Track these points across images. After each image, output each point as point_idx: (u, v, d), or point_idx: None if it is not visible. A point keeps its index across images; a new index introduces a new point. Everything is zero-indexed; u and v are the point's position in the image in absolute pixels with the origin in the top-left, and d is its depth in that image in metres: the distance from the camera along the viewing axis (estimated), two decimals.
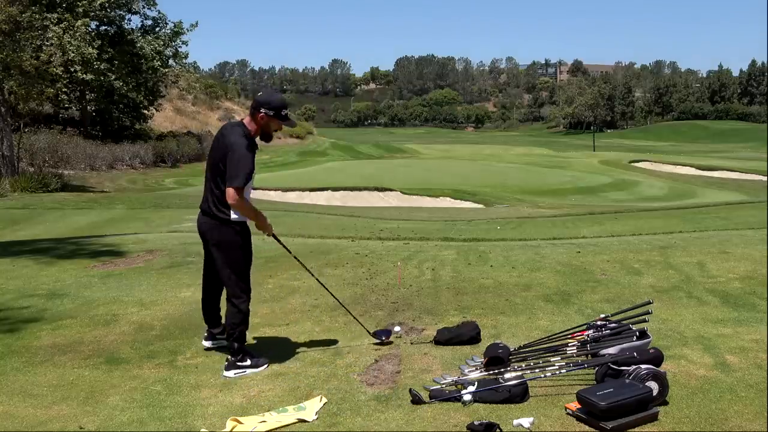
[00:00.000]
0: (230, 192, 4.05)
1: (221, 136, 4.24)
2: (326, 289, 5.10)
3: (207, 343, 4.68)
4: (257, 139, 4.30)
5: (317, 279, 5.11)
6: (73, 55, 28.13)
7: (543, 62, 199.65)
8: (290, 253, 4.91)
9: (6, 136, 22.26)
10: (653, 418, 3.30)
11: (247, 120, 4.25)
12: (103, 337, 5.02)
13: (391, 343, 4.67)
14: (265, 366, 4.27)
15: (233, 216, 4.20)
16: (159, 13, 36.68)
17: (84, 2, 30.52)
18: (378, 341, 4.66)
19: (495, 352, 4.05)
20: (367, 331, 4.78)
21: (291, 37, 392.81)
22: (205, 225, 4.30)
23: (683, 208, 18.03)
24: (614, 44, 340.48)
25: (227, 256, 4.26)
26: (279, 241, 4.68)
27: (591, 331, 4.17)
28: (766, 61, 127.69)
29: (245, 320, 4.33)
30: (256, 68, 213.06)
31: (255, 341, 4.80)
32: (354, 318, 4.94)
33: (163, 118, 45.30)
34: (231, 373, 4.19)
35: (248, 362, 4.24)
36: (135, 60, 33.89)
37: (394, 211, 19.01)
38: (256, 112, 4.17)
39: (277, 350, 4.59)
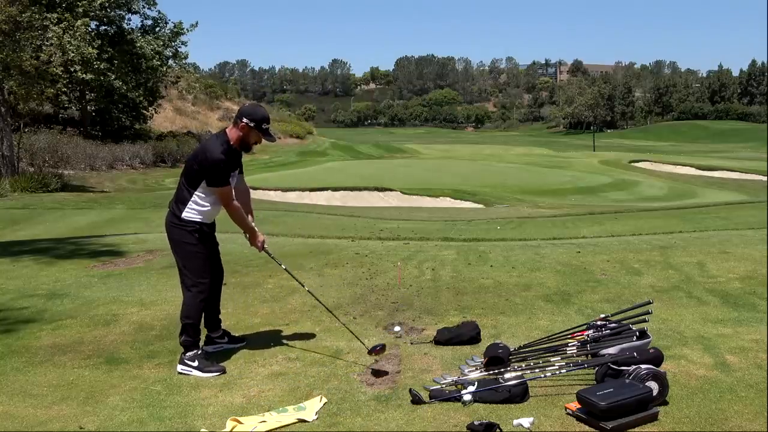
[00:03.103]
0: (221, 194, 4.24)
1: (202, 141, 4.47)
2: (320, 302, 4.87)
3: (208, 348, 4.67)
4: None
5: (312, 294, 4.84)
6: (72, 55, 28.12)
7: (543, 62, 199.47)
8: (282, 266, 4.68)
9: (6, 136, 22.26)
10: (653, 418, 3.30)
11: (229, 128, 4.35)
12: (103, 337, 5.02)
13: (382, 351, 4.34)
14: (215, 374, 4.17)
15: (185, 215, 4.29)
16: (159, 13, 36.71)
17: (84, 2, 30.52)
18: (371, 352, 4.29)
19: (495, 352, 4.06)
20: (363, 343, 4.50)
21: (291, 37, 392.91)
22: (166, 219, 4.42)
23: (683, 208, 18.02)
24: (614, 44, 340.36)
25: (179, 252, 4.38)
26: (271, 255, 4.65)
27: (591, 331, 4.17)
28: (766, 61, 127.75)
29: (193, 315, 4.33)
30: (256, 68, 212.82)
31: (255, 341, 4.80)
32: (348, 329, 4.68)
33: (163, 118, 45.30)
34: (179, 369, 4.23)
35: (195, 363, 4.22)
36: (135, 60, 33.90)
37: (394, 211, 19.01)
38: (239, 120, 4.26)
39: (277, 350, 4.59)
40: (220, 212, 4.47)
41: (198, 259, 4.36)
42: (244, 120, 4.23)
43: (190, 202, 4.29)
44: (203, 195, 4.28)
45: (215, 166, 4.17)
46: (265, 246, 4.56)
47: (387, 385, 3.91)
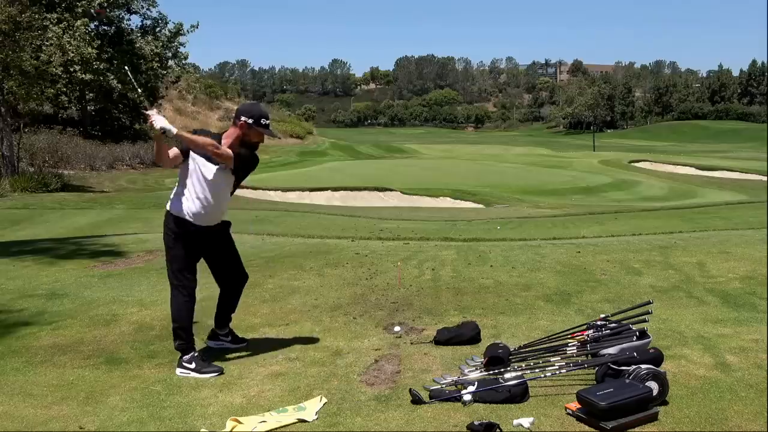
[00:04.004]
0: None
1: None
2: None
3: (210, 343, 4.67)
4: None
5: None
6: (72, 55, 28.14)
7: (543, 62, 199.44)
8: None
9: (6, 136, 22.28)
10: (653, 418, 3.30)
11: (229, 131, 4.24)
12: (103, 337, 5.02)
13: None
14: (213, 375, 4.13)
15: (168, 205, 4.26)
16: (159, 13, 36.75)
17: (83, 2, 30.54)
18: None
19: (495, 352, 4.06)
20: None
21: (291, 37, 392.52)
22: None
23: (683, 208, 18.04)
24: (614, 44, 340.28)
25: (165, 248, 4.33)
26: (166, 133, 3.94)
27: (591, 331, 4.17)
28: (766, 61, 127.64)
29: (179, 317, 4.27)
30: (256, 68, 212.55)
31: (255, 341, 4.80)
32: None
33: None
34: (177, 372, 4.22)
35: (193, 365, 4.19)
36: (134, 60, 33.93)
37: (394, 211, 19.01)
38: (237, 120, 4.18)
39: (277, 350, 4.59)
40: (216, 212, 4.27)
41: (176, 259, 4.25)
42: (242, 118, 4.15)
43: (174, 191, 4.27)
44: (179, 181, 4.25)
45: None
46: (157, 121, 3.90)
47: (387, 385, 3.91)
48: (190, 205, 4.19)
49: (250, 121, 4.15)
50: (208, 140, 4.05)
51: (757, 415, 3.34)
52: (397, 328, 4.93)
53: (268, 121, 4.22)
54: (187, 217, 4.20)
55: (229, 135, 4.21)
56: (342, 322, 5.22)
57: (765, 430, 3.21)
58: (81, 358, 4.54)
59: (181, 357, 4.27)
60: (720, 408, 3.43)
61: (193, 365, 4.20)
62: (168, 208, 4.27)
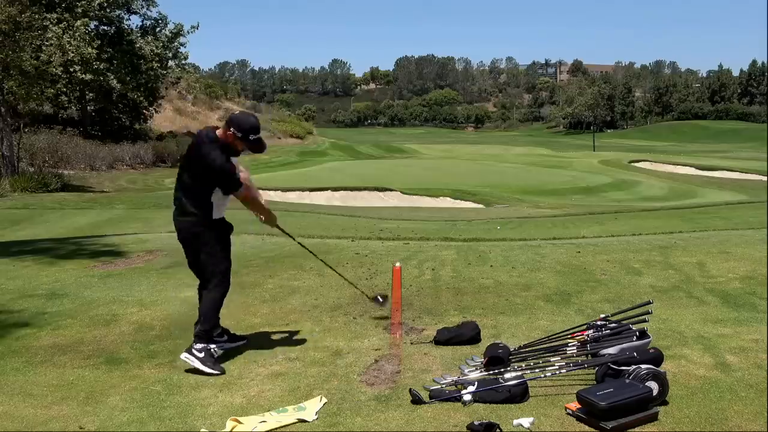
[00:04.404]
0: (239, 196, 4.39)
1: (197, 145, 4.35)
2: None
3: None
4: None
5: (325, 264, 5.48)
6: (72, 55, 28.15)
7: (543, 62, 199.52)
8: (295, 240, 5.18)
9: (6, 136, 22.27)
10: (653, 418, 3.30)
11: (220, 132, 4.36)
12: (103, 337, 5.02)
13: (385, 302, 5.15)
14: (214, 372, 4.16)
15: (210, 214, 4.39)
16: (159, 14, 36.76)
17: (83, 2, 30.55)
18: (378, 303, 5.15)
19: (495, 352, 4.06)
20: (367, 296, 5.28)
21: (291, 37, 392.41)
22: (183, 222, 4.44)
23: (683, 208, 18.05)
24: (614, 44, 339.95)
25: (206, 251, 4.42)
26: (284, 231, 4.88)
27: (591, 331, 4.17)
28: (766, 61, 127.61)
29: (215, 306, 4.44)
30: (256, 68, 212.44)
31: (255, 341, 4.80)
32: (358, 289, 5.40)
33: (163, 118, 45.33)
34: (182, 356, 4.26)
35: (201, 355, 4.23)
36: (134, 60, 33.92)
37: (394, 211, 19.01)
38: (228, 128, 4.30)
39: (277, 350, 4.59)
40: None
41: (224, 253, 4.47)
42: (232, 129, 4.27)
43: (210, 201, 4.36)
44: (214, 194, 4.37)
45: (225, 170, 4.25)
46: (278, 224, 4.71)
47: (387, 385, 3.91)
48: (221, 208, 4.49)
49: (239, 134, 4.28)
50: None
51: (757, 415, 3.35)
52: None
53: (257, 136, 4.34)
54: (222, 215, 4.52)
55: (221, 135, 4.34)
56: (342, 322, 5.22)
57: (765, 430, 3.22)
58: (81, 358, 4.54)
59: (193, 344, 4.28)
60: (720, 408, 3.43)
61: (201, 355, 4.22)
62: (213, 215, 4.40)
